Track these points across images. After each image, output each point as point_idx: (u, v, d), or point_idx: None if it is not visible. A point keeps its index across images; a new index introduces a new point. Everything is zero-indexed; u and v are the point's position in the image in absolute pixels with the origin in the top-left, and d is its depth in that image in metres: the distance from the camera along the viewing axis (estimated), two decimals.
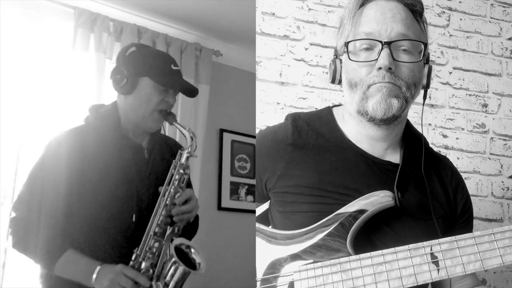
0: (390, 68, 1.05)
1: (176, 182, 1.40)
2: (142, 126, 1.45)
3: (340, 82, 1.17)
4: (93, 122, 1.46)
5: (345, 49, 1.10)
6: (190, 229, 1.49)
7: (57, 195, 1.34)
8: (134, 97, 1.43)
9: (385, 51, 1.05)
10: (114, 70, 1.44)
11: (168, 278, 1.31)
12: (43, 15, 2.32)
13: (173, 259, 1.30)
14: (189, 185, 1.54)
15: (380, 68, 1.05)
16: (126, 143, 1.44)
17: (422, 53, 1.10)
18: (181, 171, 1.41)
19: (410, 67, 1.08)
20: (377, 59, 1.06)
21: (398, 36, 1.07)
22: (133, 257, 1.33)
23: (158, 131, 1.55)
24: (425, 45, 1.10)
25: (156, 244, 1.34)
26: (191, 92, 1.51)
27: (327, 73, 2.00)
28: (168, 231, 1.37)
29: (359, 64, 1.08)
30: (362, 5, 1.12)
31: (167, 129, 2.39)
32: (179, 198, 1.38)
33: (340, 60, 1.16)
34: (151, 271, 1.32)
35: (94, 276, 1.26)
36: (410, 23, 1.10)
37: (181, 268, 1.29)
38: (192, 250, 1.36)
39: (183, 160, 1.42)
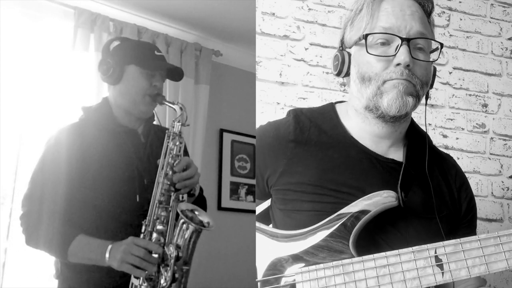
0: (408, 65, 1.04)
1: (173, 152, 1.42)
2: (134, 112, 1.49)
3: (346, 75, 1.15)
4: (88, 117, 1.52)
5: (362, 41, 1.07)
6: (198, 205, 1.49)
7: (60, 185, 1.37)
8: (123, 85, 1.48)
9: (404, 47, 1.03)
10: (101, 62, 1.50)
11: (179, 240, 1.31)
12: (43, 15, 2.32)
13: (182, 220, 1.31)
14: (186, 154, 1.57)
15: (398, 64, 1.04)
16: (121, 130, 1.49)
17: (439, 52, 1.10)
18: (177, 142, 1.43)
19: (424, 66, 1.07)
20: (395, 54, 1.05)
21: (416, 34, 1.06)
22: (143, 229, 1.34)
23: (152, 119, 1.59)
24: (441, 45, 1.10)
25: (163, 213, 1.36)
26: (178, 74, 1.55)
27: (327, 73, 2.00)
28: (173, 197, 1.38)
29: (376, 58, 1.06)
30: None
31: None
32: (177, 165, 1.39)
33: (348, 53, 1.14)
34: (162, 239, 1.33)
35: (107, 255, 1.28)
36: (425, 22, 1.10)
37: (191, 226, 1.30)
38: (197, 213, 1.37)
39: (176, 129, 1.45)
